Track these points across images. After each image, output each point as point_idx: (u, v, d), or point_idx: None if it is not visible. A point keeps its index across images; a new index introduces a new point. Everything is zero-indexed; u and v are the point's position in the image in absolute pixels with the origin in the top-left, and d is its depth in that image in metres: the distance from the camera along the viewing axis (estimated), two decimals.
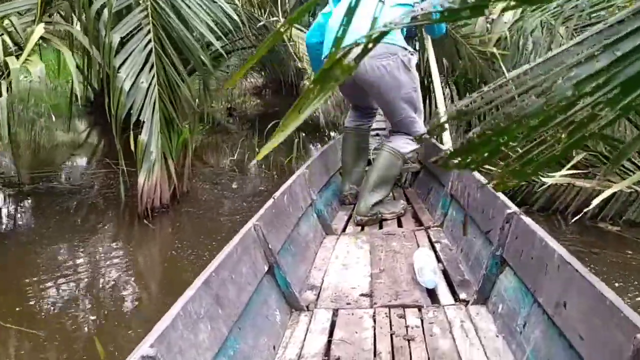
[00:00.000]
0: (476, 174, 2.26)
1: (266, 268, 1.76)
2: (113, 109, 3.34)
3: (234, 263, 1.53)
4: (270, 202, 2.08)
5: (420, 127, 2.83)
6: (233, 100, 10.90)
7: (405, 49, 2.74)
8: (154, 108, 3.50)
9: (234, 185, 4.65)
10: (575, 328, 1.14)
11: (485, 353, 1.46)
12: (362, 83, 2.76)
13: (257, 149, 5.61)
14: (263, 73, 12.66)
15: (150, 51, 3.56)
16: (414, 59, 2.82)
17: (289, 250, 2.10)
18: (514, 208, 1.72)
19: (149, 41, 3.57)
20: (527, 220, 1.58)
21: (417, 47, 3.26)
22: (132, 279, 2.82)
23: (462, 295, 1.84)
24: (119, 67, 3.39)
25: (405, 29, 2.76)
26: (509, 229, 1.67)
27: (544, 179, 2.59)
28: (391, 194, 3.00)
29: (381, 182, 2.80)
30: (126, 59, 3.46)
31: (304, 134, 5.22)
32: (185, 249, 3.09)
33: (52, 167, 5.07)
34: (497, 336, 1.54)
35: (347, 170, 3.11)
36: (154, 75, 3.53)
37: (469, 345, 1.51)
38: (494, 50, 4.06)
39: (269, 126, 4.67)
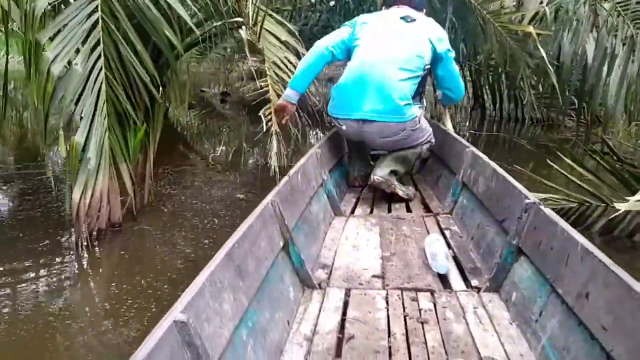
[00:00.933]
0: (492, 163, 2.26)
1: (282, 244, 1.76)
2: (37, 101, 2.60)
3: (254, 236, 1.53)
4: (285, 179, 2.07)
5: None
6: (230, 85, 10.51)
7: (414, 118, 2.75)
8: (97, 99, 2.73)
9: (209, 191, 3.87)
10: (599, 318, 1.15)
11: (500, 339, 1.47)
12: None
13: (244, 145, 5.22)
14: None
15: (96, 23, 2.76)
16: (422, 113, 2.89)
17: (302, 229, 2.10)
18: (533, 198, 1.72)
19: (95, 9, 2.76)
20: (548, 211, 1.59)
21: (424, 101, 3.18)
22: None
23: (474, 282, 1.85)
24: (52, 44, 2.63)
25: (413, 91, 2.76)
26: (527, 218, 1.68)
27: (617, 205, 2.45)
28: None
29: (400, 158, 2.84)
30: (58, 32, 2.69)
31: (307, 124, 4.50)
32: (133, 290, 2.32)
33: None
34: (510, 324, 1.55)
35: (355, 154, 3.13)
36: (100, 56, 2.75)
37: (483, 330, 1.52)
38: (531, 29, 3.55)
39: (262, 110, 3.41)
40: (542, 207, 1.63)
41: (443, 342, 1.47)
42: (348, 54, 2.91)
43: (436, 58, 2.83)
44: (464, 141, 2.80)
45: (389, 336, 1.51)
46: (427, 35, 2.78)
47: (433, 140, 2.96)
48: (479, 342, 1.45)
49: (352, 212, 2.77)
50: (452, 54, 2.89)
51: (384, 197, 2.89)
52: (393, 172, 2.84)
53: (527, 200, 1.71)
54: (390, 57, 2.71)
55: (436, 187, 3.04)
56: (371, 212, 2.76)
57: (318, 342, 1.49)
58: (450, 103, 3.44)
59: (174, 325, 0.98)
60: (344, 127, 2.84)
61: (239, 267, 1.36)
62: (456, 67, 3.03)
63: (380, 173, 2.79)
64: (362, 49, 2.82)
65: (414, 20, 2.84)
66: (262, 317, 1.44)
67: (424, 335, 1.50)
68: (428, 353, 1.42)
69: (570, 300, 1.29)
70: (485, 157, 2.39)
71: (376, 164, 2.88)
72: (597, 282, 1.20)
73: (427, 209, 2.77)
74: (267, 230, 1.65)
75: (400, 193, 2.84)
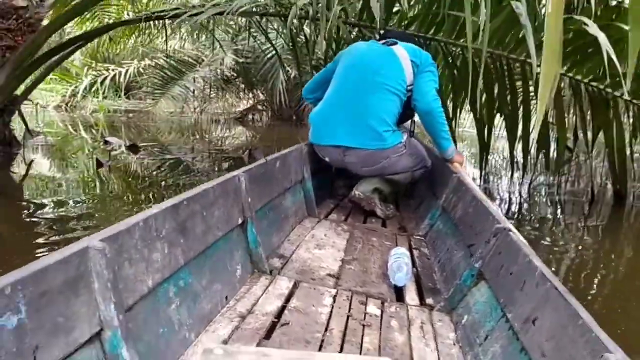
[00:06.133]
0: (476, 189, 2.20)
1: (240, 221, 1.70)
2: None
3: (208, 201, 1.47)
4: (261, 161, 2.02)
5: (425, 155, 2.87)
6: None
7: (398, 144, 2.66)
8: None
9: None
10: (541, 345, 1.08)
11: (439, 356, 1.39)
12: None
13: None
14: (249, 94, 11.99)
15: None
16: (407, 138, 2.75)
17: (267, 216, 2.04)
18: (505, 224, 1.66)
19: None
20: (515, 236, 1.52)
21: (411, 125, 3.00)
22: None
23: (429, 301, 1.78)
24: None
25: (395, 116, 2.66)
26: (495, 243, 1.61)
27: None
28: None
29: (389, 180, 2.77)
30: None
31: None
32: None
33: None
34: (454, 344, 1.48)
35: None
36: None
37: (424, 345, 1.44)
38: None
39: None
40: (511, 232, 1.57)
41: (379, 346, 1.39)
42: None
43: (418, 76, 2.67)
44: (452, 168, 2.74)
45: (325, 330, 1.43)
46: (408, 55, 2.68)
47: (429, 164, 2.89)
48: (416, 355, 1.38)
49: (327, 216, 2.70)
50: (435, 83, 2.70)
51: (362, 210, 2.83)
52: (377, 190, 2.77)
53: (497, 225, 1.65)
54: (366, 79, 2.63)
55: (417, 210, 2.98)
56: (345, 219, 2.70)
57: (250, 321, 1.41)
58: (444, 153, 2.83)
59: (87, 249, 0.91)
60: (327, 159, 2.77)
61: (183, 224, 1.30)
62: (440, 105, 2.70)
63: (363, 189, 2.73)
64: (338, 75, 2.76)
65: (395, 43, 2.76)
66: (198, 282, 1.37)
67: (362, 338, 1.43)
68: (360, 353, 1.34)
69: (517, 325, 1.22)
70: (471, 184, 2.33)
71: (362, 179, 2.81)
72: (546, 307, 1.13)
73: (403, 229, 2.70)
74: (225, 201, 1.59)
75: (379, 212, 2.78)
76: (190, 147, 6.86)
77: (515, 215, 4.21)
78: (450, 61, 4.30)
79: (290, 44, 5.36)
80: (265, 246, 1.84)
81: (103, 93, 11.57)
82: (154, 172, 4.87)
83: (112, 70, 11.18)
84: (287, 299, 1.60)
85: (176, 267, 1.24)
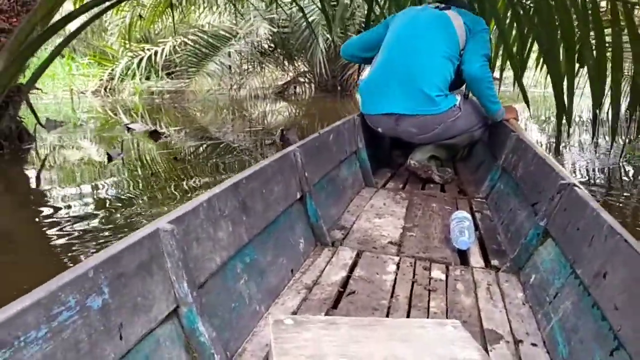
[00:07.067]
0: (537, 147, 2.13)
1: (299, 195, 1.73)
2: None
3: (266, 178, 1.50)
4: (314, 135, 2.04)
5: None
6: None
7: (452, 107, 2.59)
8: None
9: None
10: (612, 298, 1.05)
11: (508, 316, 1.38)
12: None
13: None
14: (289, 66, 11.10)
15: None
16: (460, 100, 2.67)
17: (325, 188, 2.06)
18: (569, 179, 1.60)
19: None
20: (582, 191, 1.47)
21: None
22: None
23: (494, 262, 1.76)
24: None
25: (448, 80, 2.60)
26: (559, 200, 1.57)
27: None
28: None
29: (445, 144, 2.73)
30: None
31: None
32: None
33: None
34: (523, 304, 1.46)
35: None
36: None
37: (492, 306, 1.43)
38: None
39: None
40: (576, 187, 1.52)
41: (447, 310, 1.40)
42: None
43: (470, 40, 2.60)
44: (510, 126, 2.66)
45: (391, 297, 1.45)
46: (461, 19, 2.60)
47: (488, 122, 2.82)
48: (485, 316, 1.37)
49: (384, 185, 2.70)
50: (486, 48, 2.62)
51: (420, 177, 2.80)
52: (433, 158, 2.73)
53: (561, 181, 1.59)
54: (418, 44, 2.57)
55: (476, 173, 2.92)
56: (403, 187, 2.69)
57: (317, 292, 1.45)
58: (493, 117, 2.78)
59: (157, 231, 0.96)
60: (379, 129, 2.74)
61: (243, 202, 1.34)
62: (489, 72, 2.65)
63: (418, 158, 2.69)
64: (389, 40, 2.70)
65: (448, 7, 2.68)
66: (263, 258, 1.41)
67: (429, 302, 1.44)
68: (428, 317, 1.35)
69: (587, 281, 1.19)
70: (530, 142, 2.26)
71: (417, 146, 2.77)
72: (616, 260, 1.10)
73: (463, 192, 2.66)
74: (283, 177, 1.62)
75: (437, 179, 2.74)
76: (226, 128, 6.40)
77: (604, 194, 3.40)
78: (521, 12, 3.83)
79: (323, 7, 4.92)
80: (325, 219, 1.87)
81: (140, 74, 10.79)
82: (172, 165, 4.22)
83: (148, 49, 10.53)
84: (351, 269, 1.62)
85: (241, 244, 1.28)
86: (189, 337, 1.00)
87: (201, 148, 4.98)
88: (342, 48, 3.10)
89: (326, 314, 1.33)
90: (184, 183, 3.57)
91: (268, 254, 1.45)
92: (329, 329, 1.03)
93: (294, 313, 1.33)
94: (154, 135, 5.52)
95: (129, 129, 5.95)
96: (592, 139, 4.40)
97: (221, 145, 5.12)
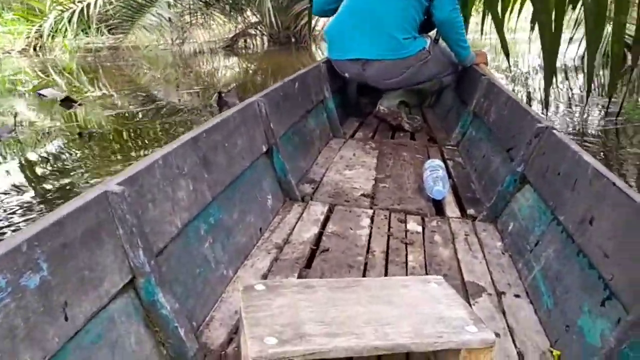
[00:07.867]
0: (509, 91, 2.06)
1: (264, 149, 1.61)
2: None
3: (229, 130, 1.38)
4: (278, 83, 1.91)
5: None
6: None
7: (421, 50, 2.49)
8: None
9: None
10: (601, 245, 0.99)
11: (488, 267, 1.33)
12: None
13: None
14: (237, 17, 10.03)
15: None
16: (430, 43, 2.56)
17: (292, 140, 1.95)
18: (546, 122, 1.53)
19: None
20: (561, 135, 1.41)
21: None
22: None
23: (470, 211, 1.70)
24: None
25: (416, 22, 2.49)
26: (537, 143, 1.50)
27: None
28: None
29: (415, 90, 2.64)
30: None
31: None
32: None
33: None
34: (502, 253, 1.41)
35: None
36: None
37: (471, 257, 1.38)
38: None
39: None
40: (555, 130, 1.45)
41: (425, 264, 1.34)
42: None
43: None
44: (480, 70, 2.57)
45: (367, 253, 1.37)
46: None
47: (458, 68, 2.72)
48: (465, 268, 1.32)
49: (352, 135, 2.60)
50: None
51: (389, 125, 2.71)
52: (402, 103, 2.64)
53: (538, 125, 1.53)
54: None
55: (446, 119, 2.85)
56: (373, 137, 2.60)
57: (288, 251, 1.36)
58: (463, 62, 2.68)
59: (105, 194, 0.84)
60: (346, 74, 2.63)
61: (205, 158, 1.22)
62: (460, 16, 2.53)
63: (387, 103, 2.60)
64: None
65: None
66: (228, 216, 1.31)
67: (406, 256, 1.37)
68: (407, 273, 1.29)
69: (572, 227, 1.14)
70: (502, 86, 2.18)
71: (385, 92, 2.67)
72: (604, 205, 1.04)
73: (433, 140, 2.59)
74: (247, 129, 1.50)
75: (406, 126, 2.66)
76: (157, 90, 5.57)
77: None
78: None
79: None
80: (294, 172, 1.77)
81: (72, 30, 9.61)
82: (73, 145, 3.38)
83: (79, 2, 9.41)
84: (324, 225, 1.54)
85: (204, 203, 1.17)
86: (148, 310, 0.90)
87: (115, 119, 4.15)
88: (314, 7, 2.91)
89: (299, 275, 1.25)
90: (82, 173, 2.78)
91: (234, 212, 1.34)
92: (304, 293, 0.94)
93: (265, 276, 1.24)
94: (66, 103, 4.70)
95: (39, 94, 5.16)
96: (587, 98, 3.87)
97: (140, 115, 4.27)
